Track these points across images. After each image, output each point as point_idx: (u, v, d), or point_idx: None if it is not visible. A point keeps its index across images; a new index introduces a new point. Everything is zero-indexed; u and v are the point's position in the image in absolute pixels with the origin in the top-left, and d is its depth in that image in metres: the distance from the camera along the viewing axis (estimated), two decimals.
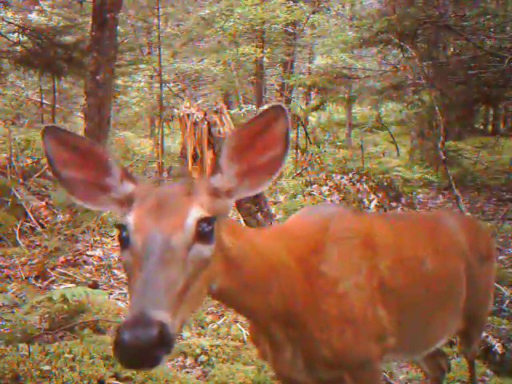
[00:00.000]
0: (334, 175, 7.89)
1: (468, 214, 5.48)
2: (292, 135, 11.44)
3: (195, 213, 1.20)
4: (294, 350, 1.60)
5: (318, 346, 1.57)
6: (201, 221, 1.19)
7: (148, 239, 1.14)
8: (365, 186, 7.42)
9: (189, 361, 3.30)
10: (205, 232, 1.19)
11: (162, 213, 1.18)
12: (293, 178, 8.74)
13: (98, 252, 5.24)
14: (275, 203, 7.16)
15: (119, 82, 12.74)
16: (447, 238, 2.15)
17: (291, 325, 1.55)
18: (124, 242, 1.19)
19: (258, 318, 1.57)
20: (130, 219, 1.20)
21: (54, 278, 4.69)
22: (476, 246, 2.20)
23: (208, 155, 5.05)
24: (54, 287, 4.48)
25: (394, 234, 1.93)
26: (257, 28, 12.72)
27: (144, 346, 0.99)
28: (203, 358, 3.30)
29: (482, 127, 16.48)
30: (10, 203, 6.14)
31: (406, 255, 1.89)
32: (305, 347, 1.59)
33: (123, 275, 4.84)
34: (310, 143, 11.12)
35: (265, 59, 13.80)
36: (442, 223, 2.26)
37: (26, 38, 8.56)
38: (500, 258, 5.33)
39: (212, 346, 3.41)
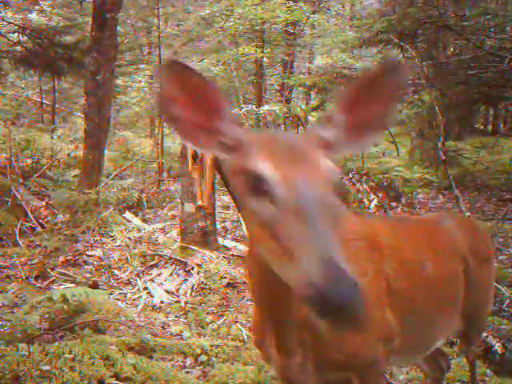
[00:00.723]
0: None
1: (468, 213, 5.48)
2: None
3: (333, 167, 1.15)
4: (305, 355, 1.58)
5: (330, 350, 1.56)
6: (337, 177, 1.14)
7: (303, 194, 1.07)
8: (365, 185, 7.42)
9: (189, 361, 3.31)
10: (338, 187, 1.14)
11: (302, 165, 1.12)
12: None
13: (98, 252, 5.24)
14: None
15: (119, 81, 12.75)
16: (446, 240, 2.16)
17: (307, 328, 1.52)
18: (258, 190, 1.11)
19: (289, 316, 1.50)
20: (269, 169, 1.12)
21: (53, 278, 4.70)
22: (475, 248, 2.20)
23: (208, 155, 5.05)
24: (54, 287, 4.48)
25: (396, 237, 1.94)
26: (257, 28, 12.72)
27: (355, 302, 0.94)
28: (203, 357, 3.31)
29: (482, 127, 16.47)
30: (9, 203, 6.14)
31: (407, 258, 1.90)
32: (317, 351, 1.57)
33: (123, 275, 4.84)
34: None
35: (265, 59, 13.80)
36: (440, 225, 2.26)
37: (26, 37, 8.57)
38: (500, 258, 5.34)
39: (212, 346, 3.41)
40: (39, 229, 5.80)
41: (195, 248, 4.90)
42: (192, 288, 4.49)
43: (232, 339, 3.66)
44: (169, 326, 3.97)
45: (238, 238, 5.92)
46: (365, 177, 7.72)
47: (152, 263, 4.95)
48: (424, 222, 2.47)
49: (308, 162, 1.13)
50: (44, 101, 13.84)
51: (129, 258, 5.08)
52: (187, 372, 3.17)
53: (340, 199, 1.14)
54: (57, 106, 12.94)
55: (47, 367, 2.60)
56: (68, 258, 5.08)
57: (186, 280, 4.61)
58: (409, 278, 1.84)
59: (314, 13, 13.98)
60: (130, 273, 4.86)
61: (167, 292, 4.49)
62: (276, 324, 1.55)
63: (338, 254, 0.98)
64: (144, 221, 6.67)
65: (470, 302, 2.14)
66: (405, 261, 1.87)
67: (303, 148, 1.17)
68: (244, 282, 4.56)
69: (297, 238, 1.03)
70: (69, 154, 9.37)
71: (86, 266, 5.00)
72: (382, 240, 1.80)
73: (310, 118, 15.80)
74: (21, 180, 6.97)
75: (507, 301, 4.13)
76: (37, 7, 11.45)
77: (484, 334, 3.36)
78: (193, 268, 4.68)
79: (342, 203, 1.15)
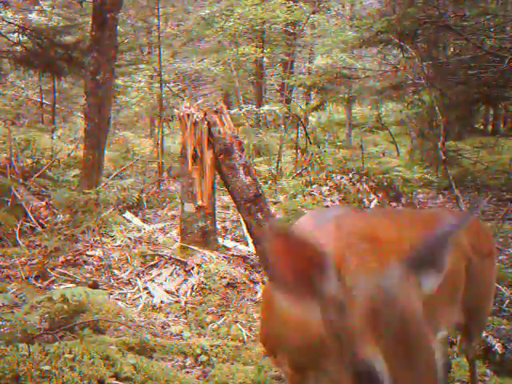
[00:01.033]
0: (334, 175, 7.90)
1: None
2: (292, 135, 11.46)
3: (439, 360, 1.04)
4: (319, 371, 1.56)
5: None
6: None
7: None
8: (365, 185, 7.42)
9: (189, 361, 3.31)
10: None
11: (417, 367, 0.99)
12: (293, 178, 8.74)
13: (98, 252, 5.24)
14: (275, 203, 7.16)
15: (119, 81, 12.75)
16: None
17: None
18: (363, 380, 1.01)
19: None
20: (381, 365, 0.99)
21: (53, 277, 4.70)
22: (476, 242, 2.21)
23: (208, 155, 5.05)
24: (54, 287, 4.48)
25: (398, 232, 1.94)
26: (257, 28, 12.72)
27: None
28: (203, 357, 3.31)
29: (482, 127, 16.47)
30: (9, 203, 6.14)
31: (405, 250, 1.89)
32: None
33: (123, 275, 4.84)
34: (310, 143, 11.12)
35: (265, 59, 13.81)
36: (440, 219, 2.27)
37: (25, 38, 8.57)
38: (500, 258, 5.34)
39: (212, 346, 3.41)
40: (39, 229, 5.80)
41: (195, 248, 4.90)
42: (192, 288, 4.49)
43: (232, 339, 3.66)
44: (169, 326, 3.97)
45: (238, 238, 5.92)
46: (365, 177, 7.73)
47: (152, 263, 4.94)
48: (424, 215, 2.47)
49: (423, 362, 1.00)
50: (44, 101, 13.85)
51: (129, 257, 5.08)
52: (187, 372, 3.17)
53: None
54: (57, 106, 12.94)
55: (47, 367, 2.60)
56: (68, 257, 5.08)
57: (185, 280, 4.61)
58: None
59: (313, 13, 13.99)
60: (130, 273, 4.86)
61: (167, 292, 4.49)
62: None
63: None
64: (144, 221, 6.67)
65: (472, 296, 2.14)
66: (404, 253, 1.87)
67: (416, 332, 1.03)
68: (244, 283, 4.56)
69: None
70: (69, 154, 9.37)
71: (86, 266, 5.00)
72: (384, 236, 1.78)
73: (310, 117, 15.82)
74: (21, 180, 6.97)
75: (507, 301, 4.13)
76: (37, 7, 11.45)
77: (484, 334, 3.36)
78: (193, 268, 4.69)
79: None
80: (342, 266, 1.44)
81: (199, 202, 5.05)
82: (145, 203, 7.56)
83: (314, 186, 7.68)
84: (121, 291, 4.56)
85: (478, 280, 2.18)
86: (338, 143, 13.67)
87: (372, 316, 1.04)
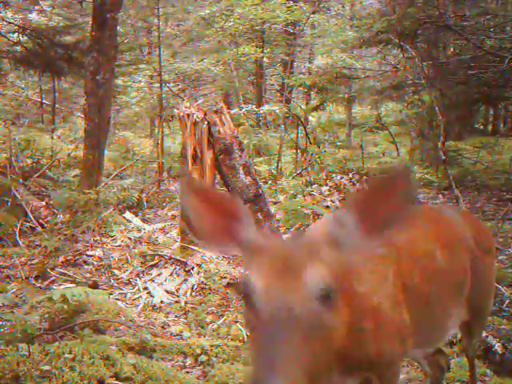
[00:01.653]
0: (334, 175, 7.90)
1: (468, 211, 5.48)
2: (292, 135, 11.45)
3: (315, 277, 1.16)
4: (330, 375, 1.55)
5: (355, 362, 1.57)
6: (323, 288, 1.16)
7: (275, 309, 1.11)
8: (365, 186, 7.42)
9: (189, 361, 3.31)
10: (325, 299, 1.16)
11: (286, 277, 1.16)
12: (293, 178, 8.74)
13: (98, 252, 5.24)
14: (275, 203, 7.16)
15: (119, 81, 12.74)
16: (451, 229, 2.16)
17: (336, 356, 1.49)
18: (249, 301, 1.17)
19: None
20: (257, 283, 1.17)
21: (53, 277, 4.70)
22: (479, 238, 2.21)
23: (208, 155, 5.05)
24: (54, 287, 4.48)
25: (405, 231, 1.94)
26: (257, 28, 12.72)
27: None
28: (203, 358, 3.31)
29: (482, 127, 16.47)
30: (9, 203, 6.14)
31: (419, 252, 1.90)
32: (342, 367, 1.54)
33: (123, 275, 4.85)
34: (310, 143, 11.11)
35: (265, 59, 13.80)
36: (443, 214, 2.28)
37: (26, 37, 8.56)
38: (500, 258, 5.33)
39: (212, 346, 3.41)
40: (39, 229, 5.80)
41: (195, 248, 4.89)
42: (192, 288, 4.49)
43: (232, 339, 3.66)
44: (169, 325, 3.97)
45: None
46: (365, 177, 7.73)
47: (152, 263, 4.95)
48: (427, 211, 2.48)
49: (294, 277, 1.15)
50: (44, 101, 13.84)
51: (129, 257, 5.08)
52: (187, 372, 3.17)
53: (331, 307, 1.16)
54: (57, 106, 12.93)
55: (47, 367, 2.60)
56: (68, 257, 5.08)
57: (185, 280, 4.61)
58: (422, 273, 1.85)
59: (314, 13, 13.99)
60: (130, 273, 4.86)
61: (167, 292, 4.49)
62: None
63: (274, 372, 1.03)
64: (144, 221, 6.66)
65: (476, 292, 2.14)
66: (418, 255, 1.88)
67: (296, 260, 1.19)
68: None
69: (256, 347, 1.12)
70: (69, 154, 9.37)
71: (85, 266, 5.00)
72: (395, 238, 1.78)
73: (310, 117, 15.81)
74: (21, 180, 6.97)
75: (507, 301, 4.13)
76: (37, 7, 11.45)
77: (484, 334, 3.36)
78: (193, 268, 4.69)
79: (330, 312, 1.16)
80: (355, 271, 1.57)
81: None
82: (145, 203, 7.56)
83: (313, 186, 7.68)
84: (121, 291, 4.56)
85: (481, 276, 2.18)
86: (338, 143, 13.66)
87: (266, 252, 1.24)
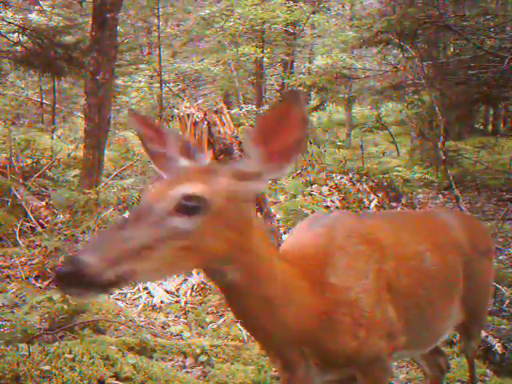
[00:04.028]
0: (334, 175, 7.89)
1: (468, 213, 5.49)
2: None
3: (184, 188, 1.30)
4: (307, 365, 1.65)
5: (332, 356, 1.63)
6: (187, 196, 1.29)
7: (138, 206, 1.32)
8: (365, 185, 7.41)
9: (189, 361, 3.31)
10: (187, 206, 1.28)
11: (163, 188, 1.33)
12: (293, 178, 8.73)
13: None
14: (275, 203, 7.15)
15: (119, 81, 12.74)
16: (444, 231, 2.17)
17: (305, 343, 1.60)
18: None
19: (273, 343, 1.63)
20: (147, 192, 1.36)
21: (54, 278, 4.69)
22: (473, 240, 2.22)
23: (208, 155, 5.05)
24: (54, 287, 4.48)
25: (395, 233, 1.96)
26: (257, 28, 12.72)
27: (62, 279, 1.17)
28: (203, 358, 3.31)
29: (482, 127, 16.48)
30: (9, 203, 6.14)
31: (407, 253, 1.92)
32: (319, 359, 1.64)
33: None
34: (310, 143, 11.11)
35: (265, 59, 13.80)
36: (438, 218, 2.29)
37: (25, 38, 8.56)
38: (500, 258, 5.34)
39: (212, 345, 3.41)
40: (39, 229, 5.79)
41: None
42: (192, 288, 4.49)
43: (232, 339, 3.66)
44: (169, 325, 3.97)
45: None
46: (365, 177, 7.73)
47: None
48: (422, 215, 2.53)
49: (169, 187, 1.33)
50: (44, 101, 13.84)
51: None
52: (187, 372, 3.17)
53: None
54: (57, 106, 12.94)
55: (47, 367, 2.60)
56: None
57: (185, 280, 4.61)
58: (411, 274, 1.87)
59: (314, 13, 13.98)
60: None
61: (167, 292, 4.49)
62: (271, 349, 1.68)
63: (93, 248, 1.22)
64: None
65: (471, 294, 2.15)
66: (406, 257, 1.89)
67: (185, 174, 1.40)
68: None
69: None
70: (69, 154, 9.36)
71: None
72: (382, 238, 1.83)
73: (309, 117, 15.80)
74: (21, 180, 6.96)
75: (507, 301, 4.13)
76: (37, 7, 11.45)
77: (484, 334, 3.36)
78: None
79: (191, 220, 1.29)
80: (330, 263, 1.62)
81: None
82: None
83: (313, 186, 7.66)
84: (121, 291, 4.56)
85: (477, 277, 2.19)
86: (338, 143, 13.65)
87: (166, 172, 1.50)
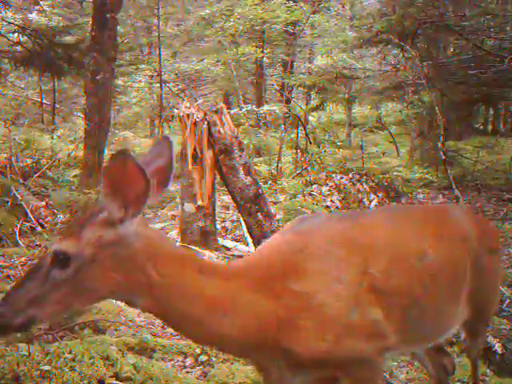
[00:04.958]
0: (334, 175, 7.89)
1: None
2: (292, 135, 11.46)
3: (55, 245, 1.52)
4: (279, 367, 1.71)
5: (301, 358, 1.67)
6: (56, 252, 1.50)
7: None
8: (365, 185, 7.42)
9: (189, 361, 3.30)
10: (58, 260, 1.49)
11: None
12: (293, 178, 8.74)
13: None
14: (275, 203, 7.15)
15: (119, 82, 12.74)
16: (453, 227, 2.16)
17: (268, 348, 1.66)
18: None
19: (230, 351, 1.85)
20: None
21: None
22: (484, 237, 2.21)
23: (208, 155, 5.05)
24: None
25: (394, 231, 1.96)
26: (257, 28, 12.73)
27: None
28: (203, 358, 3.30)
29: (482, 127, 16.48)
30: (9, 203, 6.14)
31: (406, 251, 1.91)
32: (288, 362, 1.69)
33: None
34: (310, 143, 11.11)
35: (265, 59, 13.82)
36: (448, 213, 2.29)
37: (26, 38, 8.56)
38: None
39: None
40: (39, 229, 5.80)
41: (195, 248, 4.89)
42: None
43: None
44: None
45: (238, 237, 5.91)
46: (365, 177, 7.73)
47: None
48: (431, 210, 2.53)
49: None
50: (44, 101, 13.85)
51: None
52: (187, 372, 3.17)
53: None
54: (57, 106, 12.95)
55: (47, 367, 2.60)
56: None
57: None
58: (408, 273, 1.86)
59: (314, 13, 13.98)
60: None
61: None
62: (232, 353, 1.89)
63: (4, 297, 1.51)
64: (144, 221, 6.64)
65: (478, 292, 2.14)
66: (404, 255, 1.89)
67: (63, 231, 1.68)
68: None
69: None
70: (69, 154, 9.37)
71: None
72: (372, 240, 1.83)
73: (310, 117, 15.82)
74: (21, 180, 6.97)
75: (507, 301, 4.13)
76: (37, 7, 11.45)
77: None
78: None
79: (62, 270, 1.50)
80: (295, 271, 1.68)
81: (199, 202, 5.05)
82: None
83: (313, 186, 7.67)
84: None
85: (485, 275, 2.18)
86: (338, 143, 13.65)
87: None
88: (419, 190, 8.54)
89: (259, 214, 4.93)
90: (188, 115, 5.03)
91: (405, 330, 1.84)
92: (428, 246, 1.96)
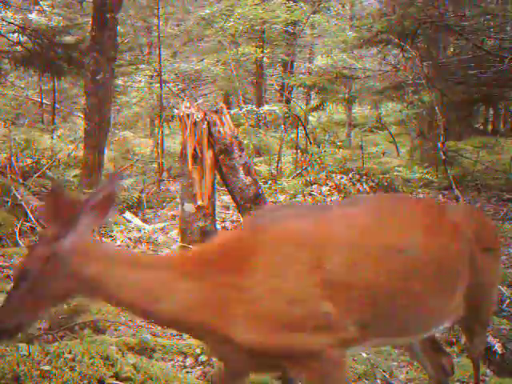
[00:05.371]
0: (333, 175, 7.89)
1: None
2: (292, 135, 11.46)
3: (21, 260, 1.93)
4: (231, 353, 1.86)
5: (242, 348, 1.78)
6: (21, 266, 1.87)
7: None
8: (365, 185, 7.42)
9: (189, 361, 3.30)
10: (23, 273, 1.81)
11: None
12: (293, 178, 8.73)
13: None
14: (275, 203, 7.15)
15: (119, 82, 12.74)
16: (448, 222, 2.15)
17: (211, 333, 1.83)
18: None
19: (177, 328, 2.29)
20: None
21: None
22: (480, 234, 2.20)
23: (208, 155, 5.05)
24: None
25: (374, 222, 1.98)
26: (257, 28, 12.72)
27: None
28: (203, 358, 3.30)
29: (482, 127, 16.48)
30: (9, 203, 6.14)
31: (378, 245, 1.91)
32: (232, 348, 1.80)
33: None
34: (310, 143, 11.12)
35: (265, 59, 13.81)
36: (445, 208, 2.30)
37: (26, 37, 8.56)
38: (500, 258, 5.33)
39: None
40: (39, 229, 5.80)
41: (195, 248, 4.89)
42: None
43: None
44: None
45: None
46: (365, 177, 7.73)
47: None
48: (427, 203, 2.54)
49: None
50: (44, 101, 13.85)
51: None
52: (187, 372, 3.17)
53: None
54: (57, 106, 12.94)
55: (47, 367, 2.60)
56: None
57: None
58: (377, 266, 1.88)
59: (314, 13, 13.98)
60: None
61: None
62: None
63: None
64: (144, 221, 6.66)
65: (475, 289, 2.13)
66: (372, 250, 1.90)
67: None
68: None
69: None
70: (69, 154, 9.37)
71: None
72: (327, 236, 1.88)
73: (310, 117, 15.82)
74: (21, 180, 6.97)
75: (507, 301, 4.13)
76: (37, 7, 11.44)
77: None
78: None
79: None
80: (238, 266, 1.81)
81: (199, 202, 5.05)
82: (145, 203, 7.56)
83: (313, 186, 7.67)
84: None
85: (481, 272, 2.16)
86: (338, 143, 13.65)
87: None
88: (419, 190, 8.54)
89: None
90: (188, 115, 5.03)
91: (375, 323, 1.87)
92: (413, 239, 1.97)
